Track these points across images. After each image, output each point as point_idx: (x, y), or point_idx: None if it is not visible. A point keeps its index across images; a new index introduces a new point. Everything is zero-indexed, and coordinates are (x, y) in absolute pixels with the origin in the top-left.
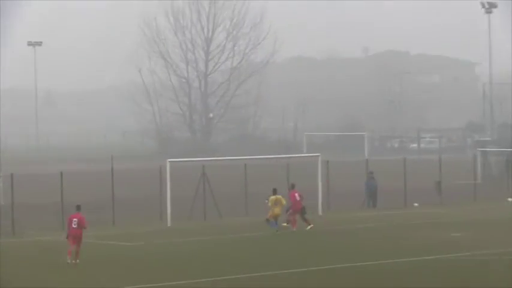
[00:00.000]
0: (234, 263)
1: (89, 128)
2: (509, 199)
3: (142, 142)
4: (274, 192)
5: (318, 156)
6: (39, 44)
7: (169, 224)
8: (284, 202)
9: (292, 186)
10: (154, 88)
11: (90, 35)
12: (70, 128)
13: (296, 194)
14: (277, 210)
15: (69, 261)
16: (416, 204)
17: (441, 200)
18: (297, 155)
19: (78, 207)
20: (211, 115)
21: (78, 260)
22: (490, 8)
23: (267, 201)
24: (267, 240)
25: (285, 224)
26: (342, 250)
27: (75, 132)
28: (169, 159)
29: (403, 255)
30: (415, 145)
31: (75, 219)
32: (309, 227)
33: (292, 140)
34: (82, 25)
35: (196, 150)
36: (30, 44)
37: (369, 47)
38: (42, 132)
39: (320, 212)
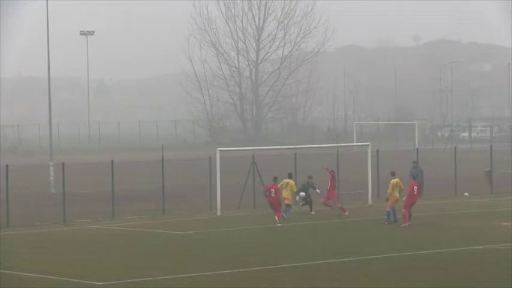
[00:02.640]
0: (287, 251)
1: (140, 117)
2: (466, 193)
3: (194, 131)
4: (290, 176)
5: (368, 145)
6: (92, 33)
7: (218, 213)
8: (294, 188)
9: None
10: (205, 77)
11: (142, 24)
12: (121, 117)
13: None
14: (286, 193)
15: (279, 224)
16: (466, 194)
17: (492, 189)
18: (347, 144)
19: (275, 179)
20: None
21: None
22: None
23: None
24: (321, 229)
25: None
26: (390, 239)
27: (127, 121)
28: (219, 148)
29: (451, 244)
30: (465, 134)
31: (272, 190)
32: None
33: (343, 129)
34: (134, 15)
35: (247, 139)
36: (82, 33)
37: (420, 36)
38: (94, 121)
39: (370, 202)
